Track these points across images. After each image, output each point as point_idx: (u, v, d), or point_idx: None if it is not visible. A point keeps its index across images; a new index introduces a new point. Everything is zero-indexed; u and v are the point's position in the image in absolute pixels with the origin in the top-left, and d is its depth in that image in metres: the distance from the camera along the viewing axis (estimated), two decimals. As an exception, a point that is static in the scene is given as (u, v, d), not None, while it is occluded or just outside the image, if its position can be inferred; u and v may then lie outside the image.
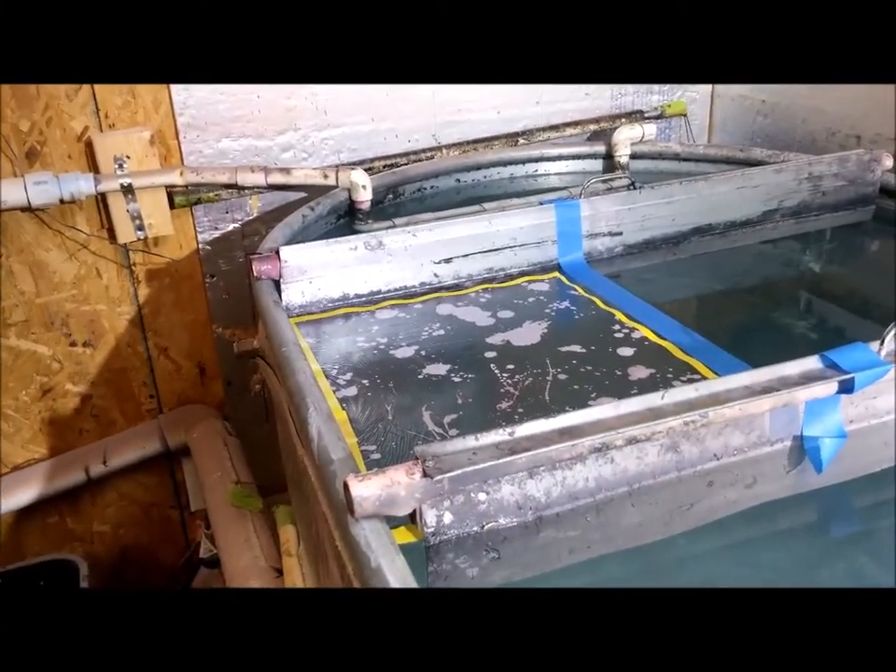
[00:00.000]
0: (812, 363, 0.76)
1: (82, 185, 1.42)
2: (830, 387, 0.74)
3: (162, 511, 1.79)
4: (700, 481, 0.74)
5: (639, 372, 0.96)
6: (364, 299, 1.20)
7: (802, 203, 1.39)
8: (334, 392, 0.96)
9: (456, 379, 0.98)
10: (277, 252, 1.14)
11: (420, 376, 0.99)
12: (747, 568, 0.74)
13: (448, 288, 1.23)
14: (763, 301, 1.23)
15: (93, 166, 1.48)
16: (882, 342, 0.76)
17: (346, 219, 1.48)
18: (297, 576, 1.07)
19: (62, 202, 1.43)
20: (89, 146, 1.47)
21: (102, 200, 1.49)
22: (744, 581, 0.72)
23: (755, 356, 0.91)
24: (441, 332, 1.10)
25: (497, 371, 0.99)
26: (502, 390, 0.94)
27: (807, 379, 0.74)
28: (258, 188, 1.54)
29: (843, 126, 1.59)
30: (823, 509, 0.81)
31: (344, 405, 0.93)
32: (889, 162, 1.41)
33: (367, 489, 0.62)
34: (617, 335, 1.05)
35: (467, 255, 1.24)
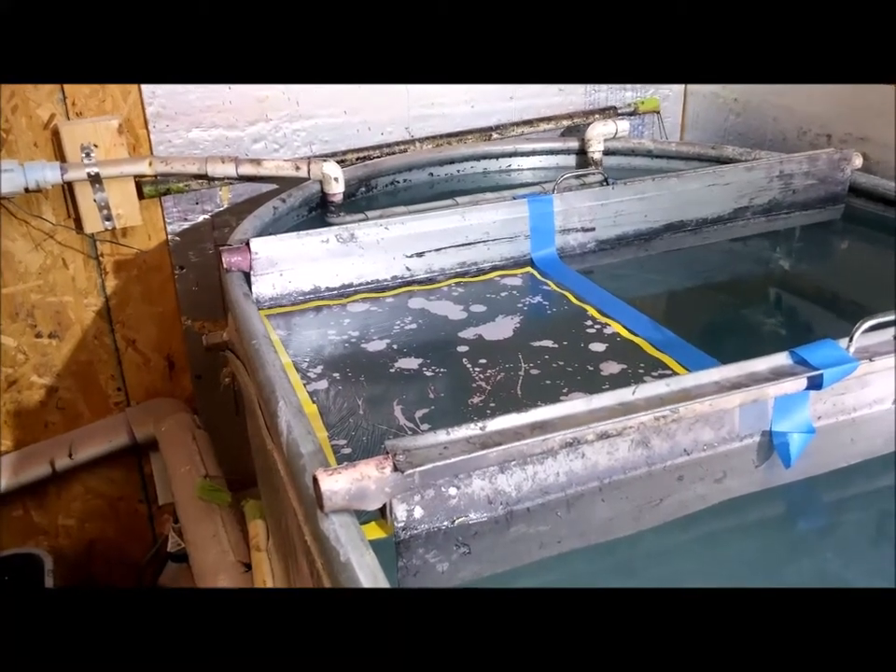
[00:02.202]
0: (781, 359, 0.77)
1: (48, 173, 1.39)
2: (799, 383, 0.74)
3: (130, 504, 1.77)
4: (670, 476, 0.75)
5: (611, 368, 0.96)
6: (335, 292, 1.19)
7: (772, 201, 1.41)
8: (304, 385, 0.95)
9: (428, 373, 0.98)
10: (248, 244, 1.13)
11: (392, 370, 0.99)
12: (716, 563, 0.74)
13: (420, 282, 1.22)
14: (734, 297, 1.23)
15: (60, 155, 1.45)
16: (851, 338, 0.76)
17: (318, 212, 1.47)
18: (266, 571, 1.06)
19: (27, 190, 1.40)
20: (55, 134, 1.44)
21: (68, 189, 1.47)
22: (713, 576, 0.72)
23: (725, 352, 0.92)
24: (414, 326, 1.09)
25: (469, 366, 0.98)
26: (474, 385, 0.94)
27: (777, 375, 0.75)
28: (228, 179, 1.52)
29: (813, 125, 1.60)
30: (791, 504, 0.82)
31: (315, 398, 0.92)
32: (858, 162, 1.43)
33: (336, 483, 0.61)
34: (589, 330, 1.05)
35: (439, 249, 1.23)
